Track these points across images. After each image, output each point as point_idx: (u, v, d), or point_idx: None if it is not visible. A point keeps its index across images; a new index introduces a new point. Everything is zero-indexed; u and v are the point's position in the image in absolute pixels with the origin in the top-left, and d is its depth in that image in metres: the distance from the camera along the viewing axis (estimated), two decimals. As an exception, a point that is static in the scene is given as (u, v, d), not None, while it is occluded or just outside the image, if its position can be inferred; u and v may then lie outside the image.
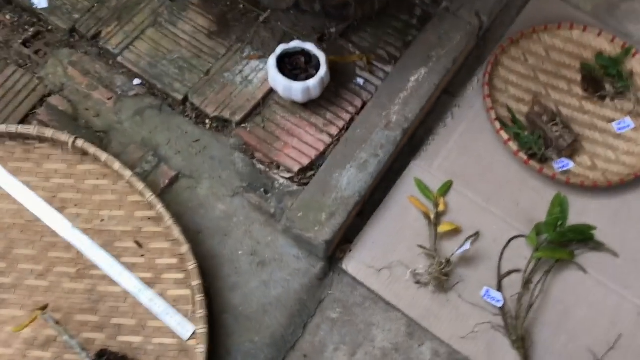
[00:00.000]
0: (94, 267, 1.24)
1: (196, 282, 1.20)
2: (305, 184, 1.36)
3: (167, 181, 1.37)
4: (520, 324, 1.26)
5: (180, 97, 1.45)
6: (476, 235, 1.36)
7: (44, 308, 1.17)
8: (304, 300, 1.29)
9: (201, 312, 1.18)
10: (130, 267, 1.25)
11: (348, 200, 1.31)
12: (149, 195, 1.27)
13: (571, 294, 1.32)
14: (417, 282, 1.32)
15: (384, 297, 1.31)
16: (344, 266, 1.33)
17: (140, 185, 1.27)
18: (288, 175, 1.39)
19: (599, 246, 1.37)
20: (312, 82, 1.38)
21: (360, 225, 1.37)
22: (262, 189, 1.37)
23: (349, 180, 1.33)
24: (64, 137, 1.31)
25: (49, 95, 1.45)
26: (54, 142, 1.34)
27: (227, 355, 1.22)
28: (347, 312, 1.30)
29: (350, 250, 1.34)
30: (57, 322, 1.13)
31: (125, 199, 1.31)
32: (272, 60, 1.39)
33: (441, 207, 1.38)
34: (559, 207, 1.39)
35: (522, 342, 1.25)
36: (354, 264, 1.34)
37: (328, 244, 1.28)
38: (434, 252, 1.32)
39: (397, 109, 1.42)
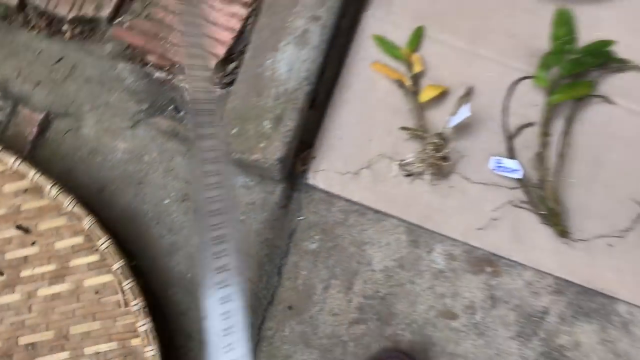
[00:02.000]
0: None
1: (117, 263, 0.86)
2: (231, 84, 0.98)
3: (35, 129, 0.96)
4: (549, 193, 0.97)
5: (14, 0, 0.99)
6: (469, 92, 1.02)
7: None
8: (270, 239, 0.96)
9: (137, 303, 0.85)
10: (22, 262, 0.89)
11: (295, 94, 0.93)
12: (12, 160, 0.87)
13: (600, 136, 1.02)
14: (409, 175, 1.00)
15: (371, 205, 0.99)
16: (310, 181, 0.99)
17: (-9, 151, 0.87)
18: (202, 77, 0.99)
19: (622, 65, 1.05)
20: None
21: (318, 120, 1.01)
22: (170, 107, 0.98)
23: (289, 63, 0.94)
24: None
25: None
26: None
27: (188, 339, 0.92)
28: (329, 237, 0.99)
29: (314, 157, 1.00)
30: None
31: (-20, 173, 0.91)
32: None
33: (417, 68, 1.02)
34: (565, 27, 1.04)
35: (554, 214, 0.97)
36: (323, 174, 0.99)
37: (283, 161, 0.92)
38: (422, 131, 0.99)
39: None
